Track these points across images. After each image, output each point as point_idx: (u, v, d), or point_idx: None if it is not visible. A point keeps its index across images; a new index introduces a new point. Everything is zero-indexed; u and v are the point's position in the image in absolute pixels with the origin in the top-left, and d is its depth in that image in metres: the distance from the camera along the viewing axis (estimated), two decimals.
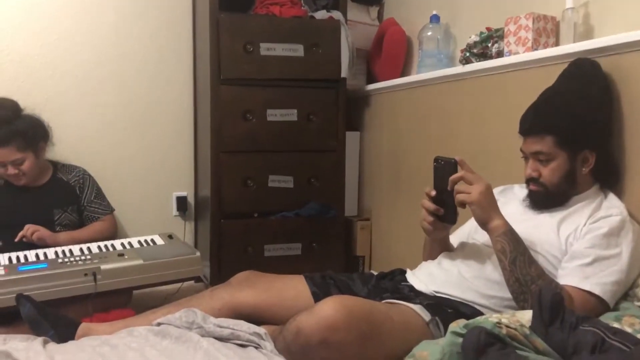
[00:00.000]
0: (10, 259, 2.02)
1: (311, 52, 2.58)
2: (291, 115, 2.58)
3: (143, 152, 2.90)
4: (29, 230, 2.21)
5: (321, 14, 2.66)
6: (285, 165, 2.61)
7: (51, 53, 2.71)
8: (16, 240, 2.21)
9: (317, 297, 1.62)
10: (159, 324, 1.57)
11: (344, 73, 2.63)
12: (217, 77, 2.50)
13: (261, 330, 1.48)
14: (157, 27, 2.88)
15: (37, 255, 2.04)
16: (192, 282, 2.20)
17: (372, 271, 1.85)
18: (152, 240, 2.24)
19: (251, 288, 1.67)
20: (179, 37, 2.92)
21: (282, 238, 2.60)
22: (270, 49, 2.52)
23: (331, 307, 1.31)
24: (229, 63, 2.49)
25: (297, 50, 2.56)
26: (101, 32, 2.78)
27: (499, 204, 1.47)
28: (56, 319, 1.65)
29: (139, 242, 2.21)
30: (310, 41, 2.58)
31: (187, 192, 2.99)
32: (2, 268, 1.89)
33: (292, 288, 1.69)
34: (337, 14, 2.66)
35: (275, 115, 2.56)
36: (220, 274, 2.47)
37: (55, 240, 2.26)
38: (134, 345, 1.45)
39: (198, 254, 2.11)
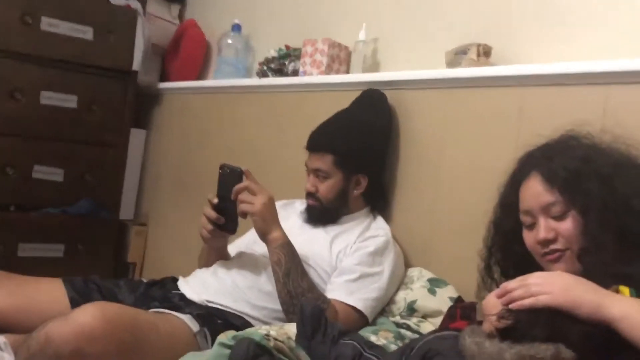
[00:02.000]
0: None
1: (102, 38, 2.38)
2: (70, 101, 2.34)
3: None
4: None
5: (118, 0, 2.48)
6: (56, 156, 2.35)
7: None
8: None
9: (76, 303, 1.45)
10: None
11: (136, 66, 2.48)
12: None
13: (0, 339, 1.27)
14: None
15: None
16: None
17: (142, 278, 1.73)
18: None
19: None
20: None
21: (41, 237, 2.32)
22: (53, 25, 2.27)
23: (89, 314, 1.17)
24: None
25: (86, 32, 2.35)
26: None
27: (280, 217, 1.48)
28: None
29: None
30: (102, 26, 2.38)
31: None
32: None
33: (46, 292, 1.50)
34: (135, 4, 2.51)
35: (50, 98, 2.30)
36: None
37: None
38: None
39: None
